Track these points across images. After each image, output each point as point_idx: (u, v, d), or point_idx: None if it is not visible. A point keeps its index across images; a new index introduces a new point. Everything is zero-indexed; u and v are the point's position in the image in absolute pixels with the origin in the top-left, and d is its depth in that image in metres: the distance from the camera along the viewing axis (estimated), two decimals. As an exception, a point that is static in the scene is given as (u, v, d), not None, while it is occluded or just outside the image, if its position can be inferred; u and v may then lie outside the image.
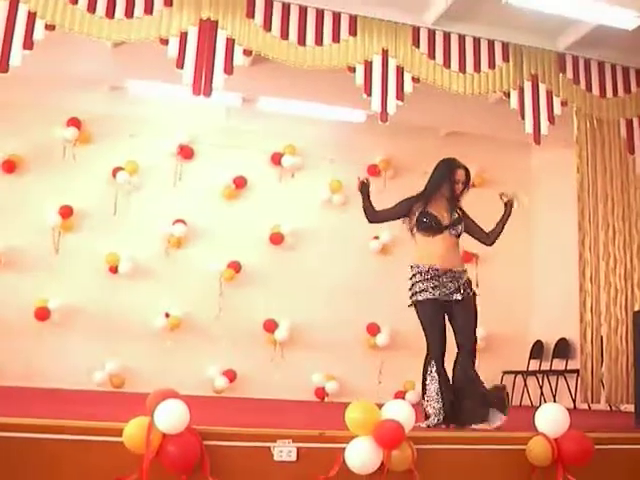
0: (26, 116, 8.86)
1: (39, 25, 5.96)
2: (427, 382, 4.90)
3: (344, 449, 3.62)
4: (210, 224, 9.29)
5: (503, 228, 5.21)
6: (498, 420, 4.69)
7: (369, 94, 6.53)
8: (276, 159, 9.71)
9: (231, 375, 8.96)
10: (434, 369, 4.87)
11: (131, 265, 8.94)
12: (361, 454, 3.58)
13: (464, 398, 4.81)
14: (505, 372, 9.49)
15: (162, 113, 9.24)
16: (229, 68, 6.22)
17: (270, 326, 9.21)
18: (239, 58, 6.31)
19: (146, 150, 9.26)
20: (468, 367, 4.85)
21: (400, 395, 9.16)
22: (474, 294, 4.98)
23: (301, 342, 9.32)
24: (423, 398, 4.95)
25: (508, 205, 5.19)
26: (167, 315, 8.95)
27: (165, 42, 6.20)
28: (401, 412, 3.69)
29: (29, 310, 8.55)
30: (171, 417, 3.33)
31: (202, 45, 6.20)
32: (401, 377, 9.37)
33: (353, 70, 6.56)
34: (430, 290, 4.91)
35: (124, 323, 8.79)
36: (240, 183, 9.51)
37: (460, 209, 5.14)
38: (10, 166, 8.86)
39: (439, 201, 5.09)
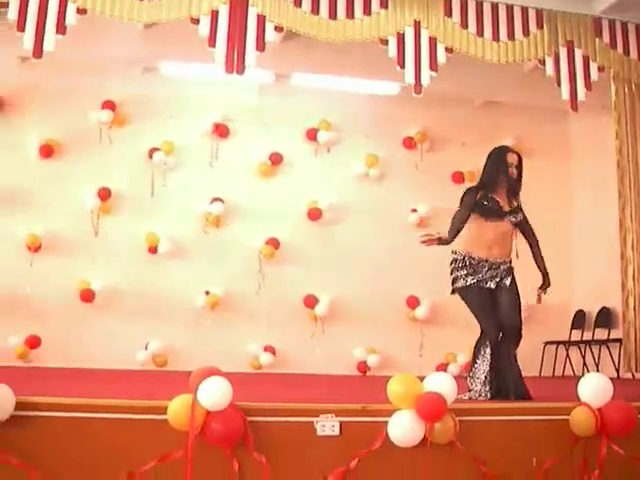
0: (61, 101, 8.95)
1: (71, 9, 6.01)
2: (477, 361, 4.96)
3: (386, 423, 3.64)
4: (247, 202, 9.32)
5: (541, 265, 5.32)
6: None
7: (402, 66, 6.49)
8: (311, 135, 9.69)
9: (272, 351, 9.03)
10: (487, 350, 4.91)
11: (170, 245, 9.02)
12: (403, 427, 3.60)
13: (506, 376, 4.88)
14: (547, 342, 9.43)
15: (196, 93, 9.25)
16: (261, 45, 6.22)
17: (310, 301, 9.24)
18: (271, 35, 6.30)
19: (181, 130, 9.30)
20: (515, 348, 4.94)
21: (442, 368, 9.15)
22: (513, 282, 5.01)
23: (341, 317, 9.34)
24: (469, 375, 5.00)
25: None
26: (207, 293, 9.02)
27: (196, 21, 6.21)
28: (443, 384, 3.70)
29: (72, 292, 8.69)
30: (214, 394, 3.38)
31: (233, 23, 6.20)
32: (443, 349, 9.38)
33: (385, 43, 6.51)
34: (470, 276, 5.01)
35: (165, 303, 8.88)
36: (276, 160, 9.51)
37: (520, 208, 5.15)
38: (48, 151, 8.97)
39: (499, 191, 5.09)
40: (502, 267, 5.01)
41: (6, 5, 6.00)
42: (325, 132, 9.65)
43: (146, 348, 8.74)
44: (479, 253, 5.01)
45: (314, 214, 9.47)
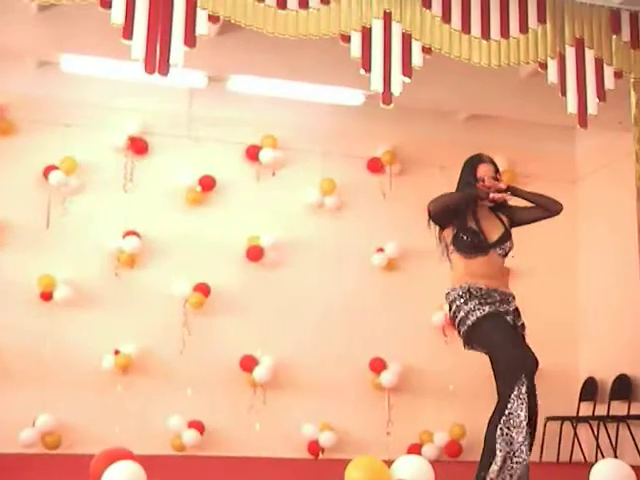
0: None
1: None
2: (510, 404, 4.76)
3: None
4: (171, 237, 9.26)
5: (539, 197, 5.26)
6: None
7: (368, 70, 6.50)
8: (252, 153, 9.71)
9: (199, 427, 8.91)
10: (523, 388, 4.76)
11: (70, 290, 8.90)
12: (367, 526, 3.56)
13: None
14: (549, 418, 9.46)
15: (106, 96, 9.23)
16: (190, 39, 6.19)
17: (248, 364, 9.18)
18: (203, 26, 6.29)
19: (87, 143, 9.25)
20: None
21: (415, 449, 9.13)
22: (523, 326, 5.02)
23: (288, 384, 9.30)
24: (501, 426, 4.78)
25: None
26: (117, 352, 8.90)
27: (108, 4, 6.16)
28: (416, 471, 3.67)
29: None
30: (123, 484, 3.31)
31: (155, 9, 6.16)
32: (416, 426, 9.37)
33: (348, 39, 6.53)
34: (484, 305, 4.91)
35: (61, 365, 8.73)
36: (207, 184, 9.48)
37: (508, 213, 5.18)
38: None
39: (480, 211, 5.09)
40: (512, 303, 5.00)
41: None
42: (270, 150, 9.68)
43: (33, 425, 8.55)
44: (483, 282, 4.97)
45: (254, 253, 9.45)
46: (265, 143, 9.71)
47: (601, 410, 9.46)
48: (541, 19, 6.82)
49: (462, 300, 4.97)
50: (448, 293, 5.08)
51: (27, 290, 8.83)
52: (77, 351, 8.78)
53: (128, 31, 6.10)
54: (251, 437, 8.97)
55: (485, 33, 6.73)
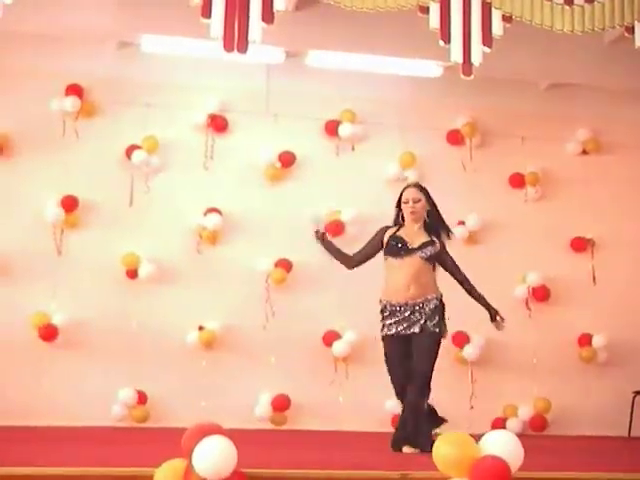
0: (14, 86, 8.99)
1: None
2: None
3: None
4: (252, 213, 9.31)
5: (480, 301, 6.66)
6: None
7: (447, 41, 6.43)
8: (331, 128, 9.69)
9: (284, 402, 8.98)
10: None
11: (154, 268, 9.01)
12: (457, 500, 3.55)
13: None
14: (637, 392, 9.32)
15: (186, 76, 9.29)
16: (268, 15, 6.19)
17: (331, 338, 9.21)
18: (281, 2, 6.28)
19: (168, 122, 9.31)
20: (419, 397, 6.23)
21: (499, 423, 9.09)
22: (436, 329, 6.22)
23: (370, 358, 9.26)
24: None
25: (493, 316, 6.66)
26: (201, 328, 9.01)
27: (187, -16, 6.21)
28: (506, 446, 3.64)
29: (28, 329, 8.67)
30: (214, 458, 3.34)
31: (233, -14, 6.19)
32: (499, 400, 9.32)
33: (426, 10, 6.46)
34: (391, 325, 6.30)
35: (147, 340, 8.87)
36: (287, 160, 9.50)
37: (437, 238, 6.41)
38: (-2, 148, 9.01)
39: (409, 228, 6.38)
40: (427, 308, 6.21)
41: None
42: (349, 125, 9.65)
43: (121, 399, 8.69)
44: (397, 298, 6.25)
45: (335, 228, 9.42)
46: (344, 117, 9.68)
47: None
48: (628, -20, 6.64)
49: (383, 313, 6.44)
50: (380, 300, 6.49)
51: (113, 268, 8.96)
52: (162, 327, 8.90)
53: (206, 9, 6.12)
54: (335, 411, 9.01)
55: (569, -1, 6.58)
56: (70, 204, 8.98)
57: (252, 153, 9.43)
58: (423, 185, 6.61)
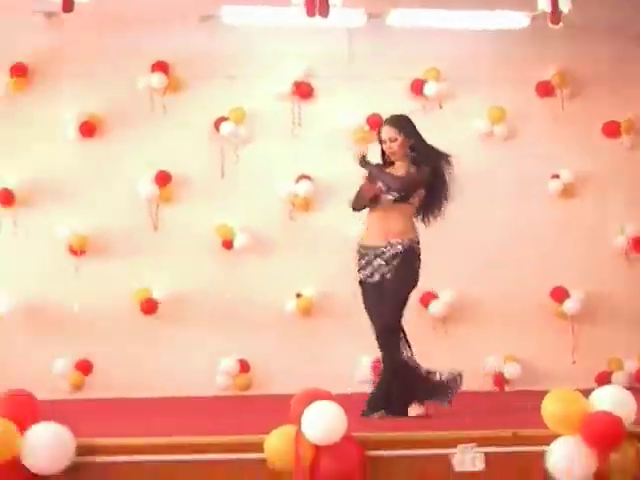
0: (100, 65, 9.11)
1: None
2: None
3: (544, 453, 3.56)
4: (343, 177, 9.19)
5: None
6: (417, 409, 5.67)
7: (534, -11, 6.31)
8: (417, 87, 9.58)
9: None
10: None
11: (249, 237, 9.07)
12: (568, 458, 3.51)
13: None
14: None
15: (268, 44, 9.27)
16: (350, -23, 6.15)
17: (428, 299, 9.17)
18: (360, -37, 6.23)
19: (253, 92, 9.32)
20: (386, 353, 5.96)
21: (604, 378, 8.93)
22: (402, 267, 5.87)
23: (468, 317, 9.25)
24: None
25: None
26: (298, 296, 9.06)
27: (265, -48, 6.20)
28: (617, 401, 3.58)
29: (129, 303, 8.87)
30: (324, 424, 3.36)
31: (311, -49, 6.16)
32: (603, 354, 9.17)
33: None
34: (359, 271, 6.09)
35: (246, 310, 8.95)
36: (375, 122, 9.39)
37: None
38: (89, 129, 9.14)
39: (396, 168, 6.10)
40: (388, 253, 5.88)
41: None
42: (434, 83, 9.52)
43: (223, 368, 8.83)
44: (365, 241, 6.07)
45: (427, 188, 9.37)
46: (429, 76, 9.55)
47: None
48: None
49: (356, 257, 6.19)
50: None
51: (208, 240, 9.06)
52: (260, 296, 8.97)
53: (287, -24, 6.11)
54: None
55: None
56: (163, 179, 9.08)
57: (339, 117, 9.39)
58: (405, 115, 6.39)
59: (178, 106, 9.31)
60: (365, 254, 6.02)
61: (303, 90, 9.45)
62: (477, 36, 9.37)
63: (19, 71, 9.11)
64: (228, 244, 9.11)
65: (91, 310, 8.81)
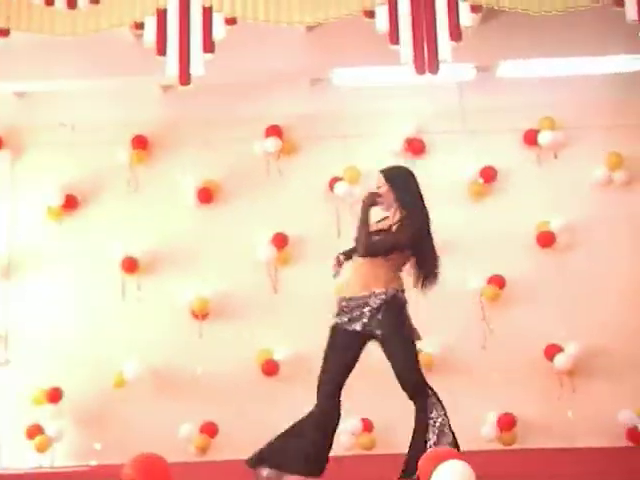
0: (216, 133, 9.37)
1: (218, 21, 6.21)
2: None
3: None
4: (459, 231, 9.17)
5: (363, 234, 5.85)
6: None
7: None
8: (531, 138, 9.47)
9: (510, 421, 8.78)
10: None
11: (364, 295, 9.03)
12: None
13: None
14: None
15: (379, 103, 9.32)
16: (456, 33, 6.12)
17: (553, 352, 8.94)
18: (467, 17, 6.20)
19: (366, 152, 9.35)
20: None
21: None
22: (388, 318, 5.52)
23: (596, 369, 8.97)
24: None
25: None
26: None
27: (371, 14, 6.23)
28: None
29: (251, 365, 8.94)
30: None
31: (417, 9, 6.16)
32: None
33: (622, 3, 6.19)
34: (335, 317, 5.78)
35: (365, 369, 8.83)
36: (489, 175, 9.35)
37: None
38: (207, 195, 9.35)
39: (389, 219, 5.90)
40: (368, 304, 5.56)
41: (141, 26, 6.33)
42: (549, 132, 9.39)
43: (348, 428, 8.73)
44: (349, 292, 5.74)
45: (545, 239, 9.19)
46: (543, 125, 9.43)
47: None
48: None
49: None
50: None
51: (328, 299, 8.76)
52: (376, 353, 8.87)
53: (394, 36, 6.13)
54: (565, 427, 8.73)
55: None
56: (281, 241, 9.18)
57: (452, 172, 9.36)
58: (400, 167, 6.12)
59: (293, 168, 9.45)
60: (346, 306, 5.71)
61: (415, 146, 9.45)
62: (590, 81, 9.24)
63: (139, 143, 9.46)
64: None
65: (214, 372, 8.95)
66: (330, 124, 9.38)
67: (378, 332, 5.57)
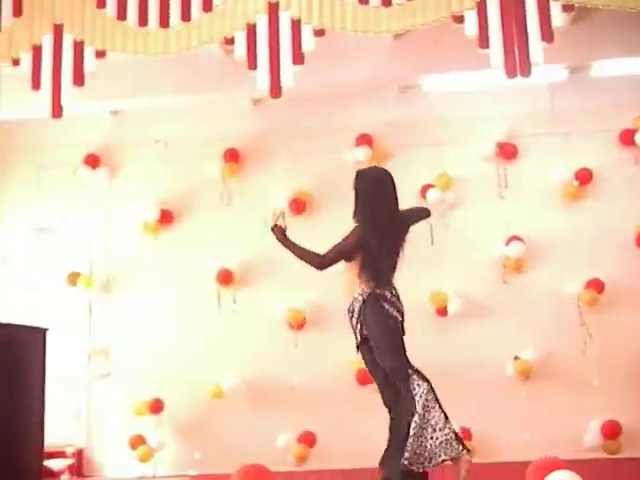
0: (306, 143, 9.44)
1: (306, 33, 6.25)
2: None
3: None
4: (554, 235, 9.06)
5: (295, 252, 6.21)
6: None
7: None
8: (627, 138, 9.24)
9: (615, 428, 8.55)
10: None
11: (462, 302, 9.00)
12: None
13: None
14: None
15: (469, 108, 9.28)
16: (548, 34, 6.03)
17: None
18: (558, 18, 6.10)
19: (457, 158, 9.33)
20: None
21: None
22: (368, 315, 5.68)
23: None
24: None
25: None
26: (516, 358, 8.84)
27: (459, 19, 6.18)
28: None
29: (344, 374, 8.92)
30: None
31: (507, 11, 6.09)
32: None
33: None
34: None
35: (465, 375, 8.77)
36: (584, 177, 9.16)
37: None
38: (299, 205, 9.40)
39: None
40: (354, 310, 5.76)
41: (231, 42, 6.41)
42: (647, 130, 9.17)
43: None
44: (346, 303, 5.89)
45: (646, 241, 8.99)
46: (638, 125, 9.20)
47: None
48: None
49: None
50: None
51: (423, 308, 8.97)
52: (478, 360, 8.80)
53: (483, 40, 6.08)
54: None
55: None
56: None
57: (546, 175, 9.22)
58: (359, 172, 6.31)
59: (387, 175, 9.41)
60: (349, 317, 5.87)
61: (507, 151, 9.33)
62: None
63: (231, 157, 9.57)
64: (442, 311, 9.03)
65: (310, 382, 8.99)
66: (420, 131, 9.34)
67: (365, 332, 5.76)
